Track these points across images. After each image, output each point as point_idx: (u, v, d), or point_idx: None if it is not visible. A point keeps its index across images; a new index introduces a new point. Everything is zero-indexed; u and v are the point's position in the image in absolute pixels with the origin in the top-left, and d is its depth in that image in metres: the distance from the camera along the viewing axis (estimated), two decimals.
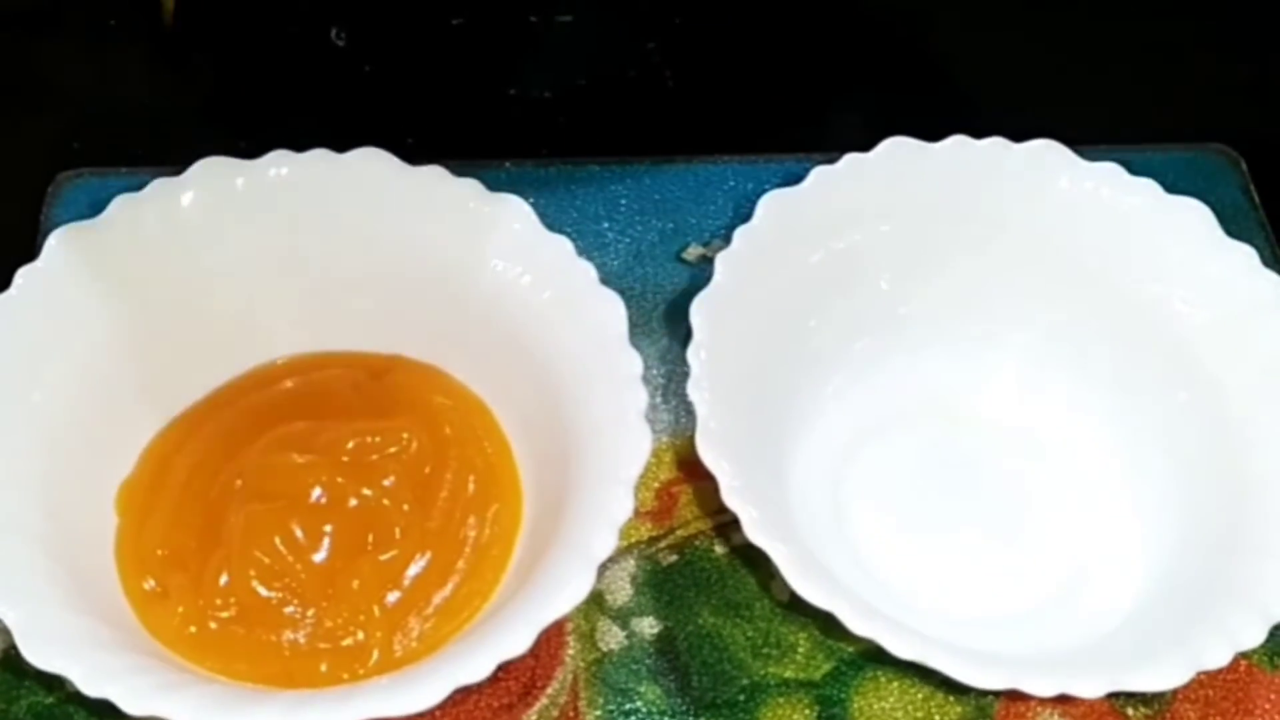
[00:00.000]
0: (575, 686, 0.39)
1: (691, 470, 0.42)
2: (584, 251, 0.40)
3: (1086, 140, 0.43)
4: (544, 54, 0.53)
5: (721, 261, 0.40)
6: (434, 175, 0.41)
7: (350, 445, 0.40)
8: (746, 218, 0.41)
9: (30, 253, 0.40)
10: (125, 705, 0.33)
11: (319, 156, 0.41)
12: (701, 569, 0.41)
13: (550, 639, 0.39)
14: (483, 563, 0.39)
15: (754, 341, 0.40)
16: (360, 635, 0.38)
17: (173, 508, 0.39)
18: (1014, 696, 0.39)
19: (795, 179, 0.42)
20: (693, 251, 0.46)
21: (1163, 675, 0.35)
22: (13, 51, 0.52)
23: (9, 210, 0.47)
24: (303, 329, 0.42)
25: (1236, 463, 0.40)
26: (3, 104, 0.51)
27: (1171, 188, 0.42)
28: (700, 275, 0.40)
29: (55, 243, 0.39)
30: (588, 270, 0.40)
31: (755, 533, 0.36)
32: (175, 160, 0.41)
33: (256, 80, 0.52)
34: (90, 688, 0.34)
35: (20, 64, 0.52)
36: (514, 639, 0.34)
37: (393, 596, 0.39)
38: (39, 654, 0.34)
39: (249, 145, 0.41)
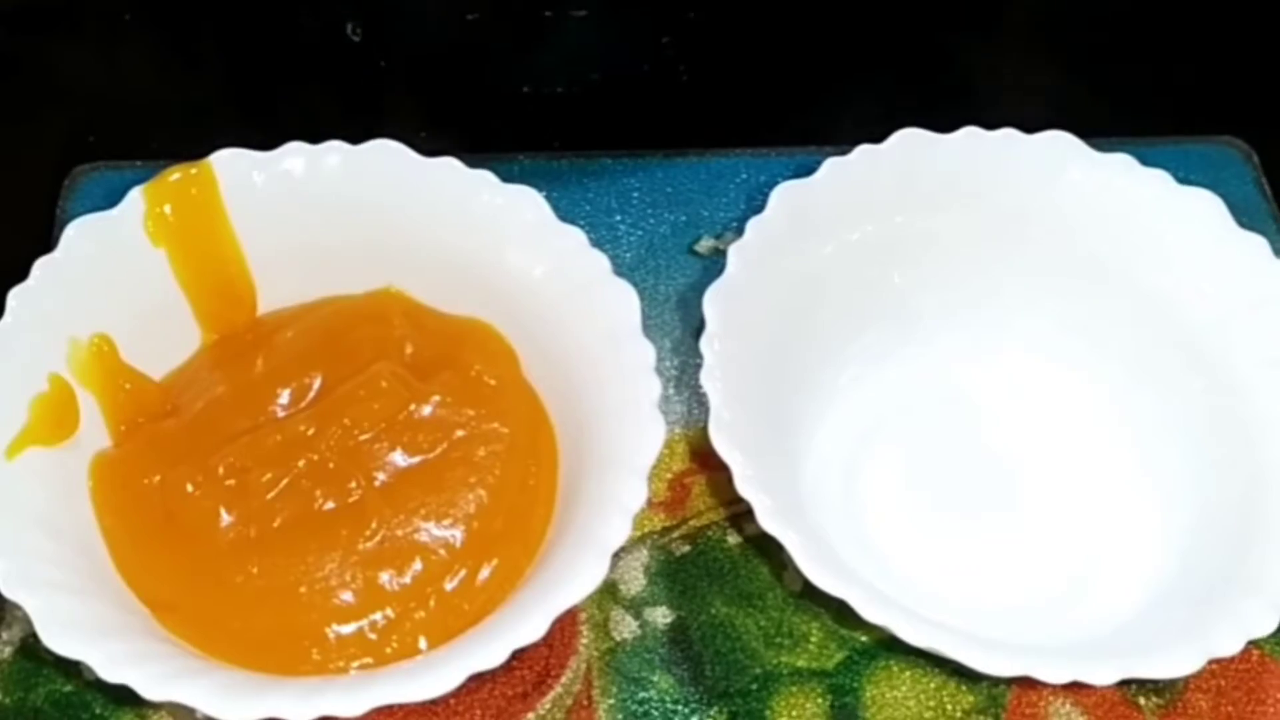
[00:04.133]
0: (589, 675, 0.39)
1: (704, 461, 0.42)
2: (597, 244, 0.40)
3: (1099, 133, 0.43)
4: (558, 48, 0.53)
5: (734, 253, 0.40)
6: (447, 167, 0.41)
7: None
8: (759, 210, 0.41)
9: (47, 245, 0.40)
10: (144, 690, 0.34)
11: (333, 149, 0.41)
12: (714, 559, 0.41)
13: (564, 628, 0.40)
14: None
15: (767, 332, 0.40)
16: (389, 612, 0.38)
17: None
18: (1026, 686, 0.39)
19: (808, 171, 0.42)
20: (705, 244, 0.46)
21: (1174, 663, 0.35)
22: (29, 46, 0.52)
23: (27, 203, 0.47)
24: None
25: (1249, 452, 0.40)
26: (20, 98, 0.51)
27: (1184, 180, 0.42)
28: (713, 268, 0.40)
29: (73, 234, 0.40)
30: (601, 261, 0.40)
31: (768, 520, 0.36)
32: (191, 153, 0.41)
33: (272, 74, 0.53)
34: (109, 673, 0.34)
35: (36, 58, 0.52)
36: (528, 626, 0.35)
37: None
38: (58, 640, 0.34)
39: (264, 138, 0.41)
